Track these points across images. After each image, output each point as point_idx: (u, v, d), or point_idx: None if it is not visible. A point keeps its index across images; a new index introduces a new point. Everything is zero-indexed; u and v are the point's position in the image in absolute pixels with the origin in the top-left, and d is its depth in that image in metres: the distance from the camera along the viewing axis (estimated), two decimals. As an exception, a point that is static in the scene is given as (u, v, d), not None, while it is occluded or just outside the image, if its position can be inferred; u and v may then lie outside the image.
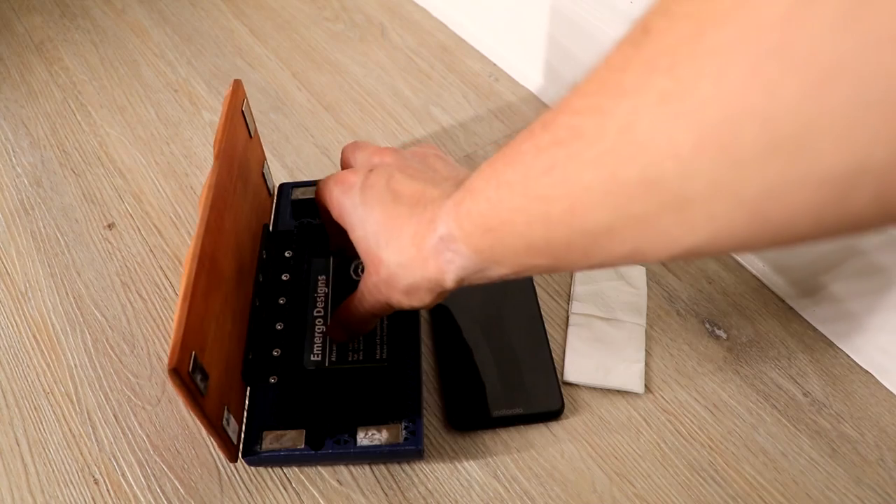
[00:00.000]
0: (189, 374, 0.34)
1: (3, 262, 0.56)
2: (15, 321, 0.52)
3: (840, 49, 0.17)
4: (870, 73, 0.17)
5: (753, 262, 0.51)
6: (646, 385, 0.46)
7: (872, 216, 0.19)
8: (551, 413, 0.44)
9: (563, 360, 0.47)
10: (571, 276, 0.52)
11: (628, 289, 0.50)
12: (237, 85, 0.48)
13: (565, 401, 0.45)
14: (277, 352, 0.47)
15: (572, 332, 0.48)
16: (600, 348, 0.47)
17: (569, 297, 0.51)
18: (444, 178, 0.37)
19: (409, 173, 0.37)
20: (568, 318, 0.49)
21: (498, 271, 0.32)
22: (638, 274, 0.51)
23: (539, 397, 0.45)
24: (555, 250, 0.28)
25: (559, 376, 0.46)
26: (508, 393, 0.45)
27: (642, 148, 0.22)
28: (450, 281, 0.34)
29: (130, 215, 0.59)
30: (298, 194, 0.55)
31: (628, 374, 0.46)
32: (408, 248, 0.35)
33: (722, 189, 0.20)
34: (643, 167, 0.22)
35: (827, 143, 0.18)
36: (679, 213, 0.22)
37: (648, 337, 0.48)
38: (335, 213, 0.40)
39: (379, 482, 0.43)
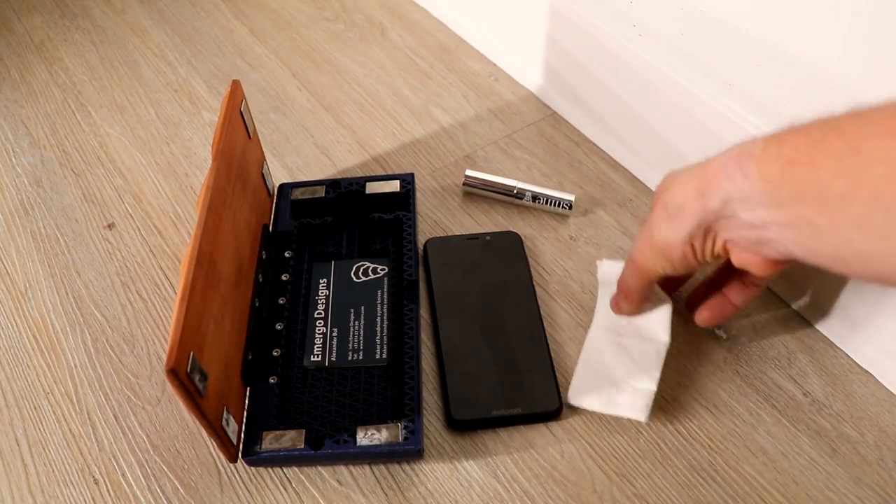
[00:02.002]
0: (187, 375, 0.34)
1: (3, 262, 0.56)
2: (15, 321, 0.52)
3: None
4: None
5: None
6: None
7: None
8: (549, 413, 0.44)
9: (572, 378, 0.45)
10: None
11: (653, 302, 0.46)
12: (235, 85, 0.48)
13: (565, 401, 0.45)
14: (277, 352, 0.47)
15: (587, 349, 0.46)
16: (611, 370, 0.45)
17: (588, 310, 0.51)
18: None
19: None
20: (588, 330, 0.47)
21: (765, 214, 0.30)
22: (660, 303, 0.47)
23: (538, 397, 0.45)
24: (843, 214, 0.26)
25: (557, 376, 0.46)
26: (507, 393, 0.45)
27: None
28: (716, 198, 0.33)
29: (130, 215, 0.59)
30: (298, 194, 0.55)
31: (633, 403, 0.43)
32: (699, 167, 0.35)
33: None
34: None
35: None
36: None
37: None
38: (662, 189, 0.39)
39: (379, 482, 0.43)
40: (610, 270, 0.48)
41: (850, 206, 0.26)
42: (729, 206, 0.32)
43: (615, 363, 0.45)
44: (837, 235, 0.27)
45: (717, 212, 0.33)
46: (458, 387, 0.45)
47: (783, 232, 0.30)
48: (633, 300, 0.44)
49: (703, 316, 0.45)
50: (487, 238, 0.54)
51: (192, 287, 0.36)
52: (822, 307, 0.47)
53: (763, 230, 0.31)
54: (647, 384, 0.43)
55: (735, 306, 0.44)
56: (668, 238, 0.36)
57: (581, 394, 0.44)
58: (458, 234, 0.55)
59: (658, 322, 0.45)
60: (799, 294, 0.49)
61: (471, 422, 0.44)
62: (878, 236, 0.26)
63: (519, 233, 0.54)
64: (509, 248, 0.53)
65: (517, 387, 0.45)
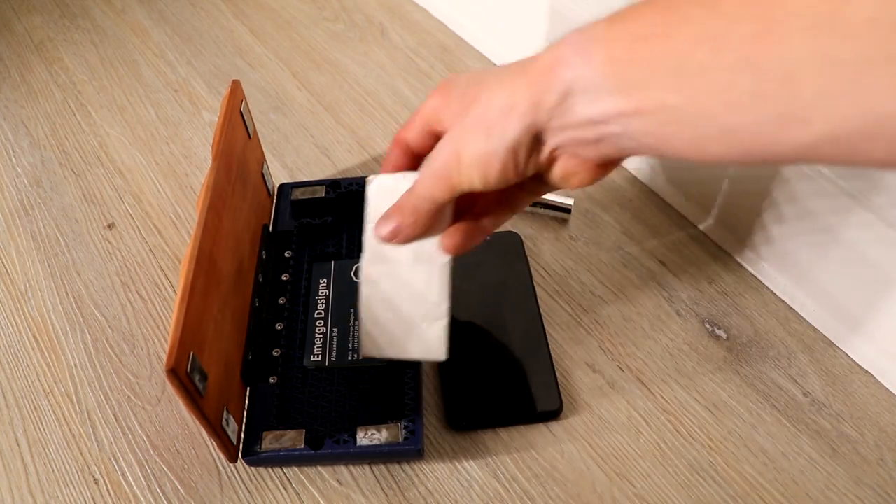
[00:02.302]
0: (187, 375, 0.34)
1: (3, 262, 0.56)
2: (15, 321, 0.52)
3: None
4: None
5: (754, 262, 0.51)
6: (645, 385, 0.46)
7: None
8: (549, 413, 0.44)
9: (360, 329, 0.41)
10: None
11: None
12: (235, 86, 0.48)
13: (564, 401, 0.45)
14: (277, 352, 0.47)
15: (363, 294, 0.39)
16: (396, 307, 0.39)
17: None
18: None
19: None
20: (358, 273, 0.41)
21: (611, 103, 0.26)
22: None
23: (538, 397, 0.45)
24: (704, 85, 0.24)
25: (557, 376, 0.46)
26: (507, 393, 0.45)
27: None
28: (554, 92, 0.27)
29: (130, 215, 0.59)
30: (298, 194, 0.55)
31: (428, 340, 0.39)
32: (517, 67, 0.29)
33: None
34: (883, 5, 0.20)
35: None
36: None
37: (645, 335, 0.48)
38: (434, 102, 0.34)
39: (379, 482, 0.43)
40: (385, 189, 0.37)
41: (713, 76, 0.23)
42: (568, 101, 0.27)
43: (399, 297, 0.39)
44: (697, 113, 0.24)
45: (553, 110, 0.28)
46: (457, 387, 0.45)
47: (631, 122, 0.26)
48: (421, 224, 0.35)
49: (450, 243, 0.37)
50: (487, 238, 0.54)
51: (192, 287, 0.36)
52: (822, 307, 0.47)
53: (606, 125, 0.27)
54: (438, 314, 0.38)
55: (487, 232, 0.39)
56: (488, 149, 0.30)
57: (371, 344, 0.40)
58: (458, 234, 0.55)
59: (432, 240, 0.37)
60: (799, 294, 0.49)
61: (471, 422, 0.44)
62: (746, 104, 0.23)
63: (519, 233, 0.54)
64: (509, 248, 0.53)
65: (517, 387, 0.45)
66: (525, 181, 0.33)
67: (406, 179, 0.36)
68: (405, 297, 0.38)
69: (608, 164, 0.31)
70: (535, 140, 0.30)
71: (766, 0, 0.22)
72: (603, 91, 0.26)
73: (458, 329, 0.48)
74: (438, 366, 0.47)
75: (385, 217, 0.36)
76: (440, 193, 0.33)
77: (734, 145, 0.25)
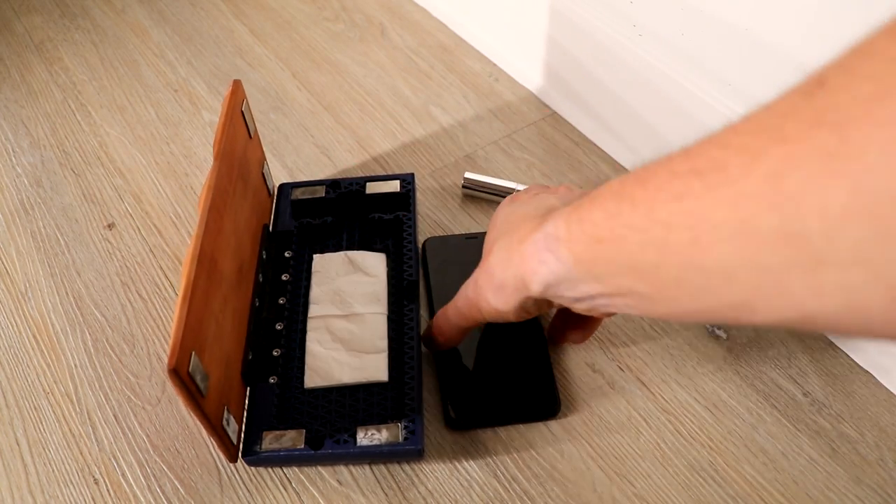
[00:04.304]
0: (188, 375, 0.34)
1: (3, 262, 0.56)
2: (15, 321, 0.52)
3: None
4: None
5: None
6: (645, 385, 0.46)
7: None
8: (548, 413, 0.44)
9: (307, 363, 0.46)
10: (308, 280, 0.51)
11: (366, 279, 0.50)
12: (237, 85, 0.48)
13: (564, 400, 0.45)
14: (277, 352, 0.47)
15: (311, 338, 0.47)
16: (341, 347, 0.47)
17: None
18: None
19: (561, 196, 0.38)
20: (306, 322, 0.48)
21: (588, 289, 0.31)
22: (375, 263, 0.51)
23: (537, 397, 0.45)
24: (661, 280, 0.27)
25: (556, 376, 0.46)
26: (507, 393, 0.45)
27: (789, 199, 0.21)
28: (536, 284, 0.33)
29: (130, 215, 0.59)
30: (298, 194, 0.55)
31: (373, 367, 0.46)
32: (514, 244, 0.35)
33: (865, 260, 0.19)
34: (784, 218, 0.21)
35: None
36: (810, 274, 0.21)
37: (645, 335, 0.48)
38: (491, 222, 0.41)
39: (379, 482, 0.43)
40: (326, 262, 0.52)
41: (667, 272, 0.26)
42: (551, 289, 0.33)
43: (344, 340, 0.47)
44: (663, 298, 0.28)
45: (542, 293, 0.34)
46: (457, 387, 0.45)
47: (612, 300, 0.31)
48: (455, 341, 0.45)
49: (575, 338, 0.44)
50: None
51: (193, 287, 0.36)
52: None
53: (592, 300, 0.32)
54: (380, 348, 0.46)
55: (598, 323, 0.45)
56: (499, 308, 0.37)
57: (317, 375, 0.46)
58: (457, 233, 0.55)
59: (372, 297, 0.49)
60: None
61: (471, 421, 0.44)
62: (700, 296, 0.26)
63: (519, 233, 0.54)
64: (509, 248, 0.53)
65: (517, 386, 0.45)
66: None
67: (344, 256, 0.52)
68: (348, 339, 0.47)
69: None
70: (538, 301, 0.36)
71: (693, 212, 0.24)
72: (578, 281, 0.31)
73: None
74: (438, 366, 0.47)
75: (432, 334, 0.45)
76: (467, 325, 0.42)
77: (703, 319, 0.28)
